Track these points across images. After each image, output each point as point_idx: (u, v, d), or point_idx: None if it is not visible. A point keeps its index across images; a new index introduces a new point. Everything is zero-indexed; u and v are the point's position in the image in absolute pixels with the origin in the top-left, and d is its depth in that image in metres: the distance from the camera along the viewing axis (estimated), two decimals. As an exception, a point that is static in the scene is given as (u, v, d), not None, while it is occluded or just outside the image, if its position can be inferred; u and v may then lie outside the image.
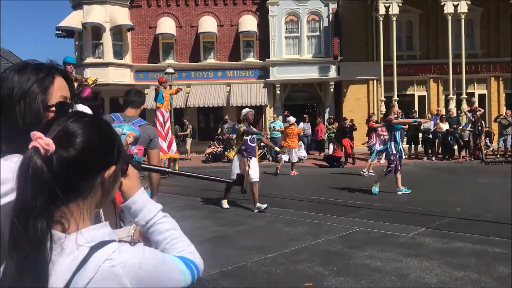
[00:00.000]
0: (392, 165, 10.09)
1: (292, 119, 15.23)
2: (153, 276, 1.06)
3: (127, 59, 22.34)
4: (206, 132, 22.46)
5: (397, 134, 10.16)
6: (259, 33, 22.12)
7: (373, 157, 14.32)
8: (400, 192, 10.20)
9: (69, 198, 1.04)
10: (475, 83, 22.62)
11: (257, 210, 8.52)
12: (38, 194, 0.96)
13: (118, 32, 21.83)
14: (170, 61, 22.13)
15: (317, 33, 22.35)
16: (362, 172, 14.03)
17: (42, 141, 0.99)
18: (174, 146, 14.28)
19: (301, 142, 19.05)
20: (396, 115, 10.92)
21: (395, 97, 20.18)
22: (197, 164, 18.30)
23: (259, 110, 22.62)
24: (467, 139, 17.70)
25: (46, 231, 0.97)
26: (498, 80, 22.52)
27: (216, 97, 21.46)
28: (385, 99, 20.42)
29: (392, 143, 10.08)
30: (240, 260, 5.46)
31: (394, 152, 10.01)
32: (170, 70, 18.54)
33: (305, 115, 20.90)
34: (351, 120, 18.48)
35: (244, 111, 9.20)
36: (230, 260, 5.47)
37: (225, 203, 8.98)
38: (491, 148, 18.75)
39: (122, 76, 21.75)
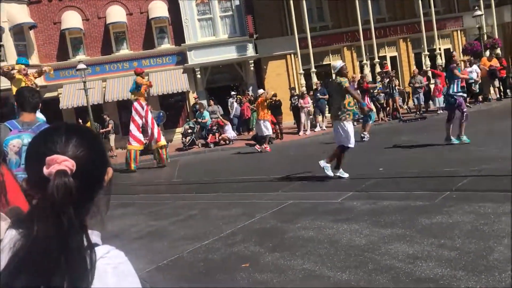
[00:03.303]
0: (465, 109, 10.06)
1: (261, 91, 15.08)
2: None
3: (34, 59, 20.96)
4: (129, 126, 21.78)
5: (459, 82, 10.09)
6: (171, 18, 21.58)
7: (373, 118, 13.96)
8: (461, 140, 9.96)
9: (88, 207, 1.12)
10: (386, 47, 23.60)
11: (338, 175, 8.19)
12: (76, 211, 1.03)
13: (19, 31, 20.38)
14: (81, 56, 21.11)
15: (230, 13, 22.19)
16: (362, 136, 13.46)
17: (69, 163, 1.04)
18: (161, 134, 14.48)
19: (228, 122, 19.04)
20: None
21: (313, 69, 20.65)
22: (123, 160, 17.72)
23: (182, 97, 22.29)
24: (382, 101, 18.51)
25: (85, 242, 1.04)
26: (407, 41, 23.64)
27: (135, 89, 20.80)
28: (303, 71, 20.83)
29: (455, 89, 10.00)
30: (175, 252, 5.38)
31: (463, 95, 10.10)
32: (82, 66, 17.74)
33: (238, 96, 20.87)
34: (274, 94, 18.43)
35: (338, 64, 8.52)
36: (165, 254, 5.37)
37: (342, 173, 8.28)
38: (405, 107, 19.79)
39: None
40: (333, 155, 8.36)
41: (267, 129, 14.68)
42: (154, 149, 14.77)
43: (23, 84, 9.16)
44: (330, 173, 8.23)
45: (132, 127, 14.07)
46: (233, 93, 21.27)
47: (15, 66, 9.36)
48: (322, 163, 8.28)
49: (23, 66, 9.09)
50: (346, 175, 8.23)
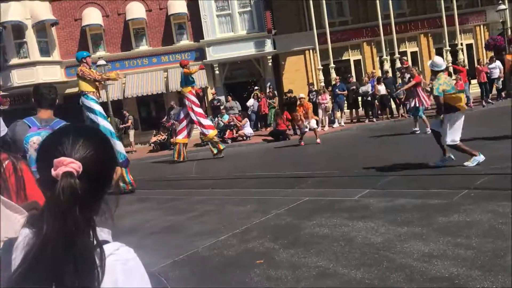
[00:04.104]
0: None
1: (301, 94, 15.10)
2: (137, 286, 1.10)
3: (55, 56, 21.35)
4: (148, 121, 22.04)
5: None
6: (190, 14, 21.67)
7: (421, 114, 13.35)
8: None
9: (97, 206, 1.16)
10: (406, 42, 23.30)
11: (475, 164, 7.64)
12: (82, 211, 1.05)
13: (41, 28, 20.73)
14: (101, 52, 21.35)
15: (249, 8, 22.17)
16: (426, 131, 12.40)
17: (75, 165, 1.07)
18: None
19: (246, 119, 19.06)
20: None
21: (332, 64, 20.49)
22: (143, 155, 17.95)
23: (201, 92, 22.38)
24: (402, 96, 18.26)
25: (94, 241, 1.07)
26: (427, 36, 23.30)
27: (154, 84, 20.98)
28: (322, 67, 20.71)
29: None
30: (191, 247, 5.42)
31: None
32: (102, 62, 17.95)
33: (255, 91, 20.87)
34: (289, 91, 18.26)
35: (440, 61, 8.23)
36: (181, 249, 5.42)
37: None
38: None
39: (53, 74, 20.77)
40: (464, 149, 7.86)
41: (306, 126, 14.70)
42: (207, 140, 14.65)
43: (91, 86, 9.46)
44: (472, 164, 7.64)
45: (198, 118, 13.88)
46: (256, 88, 21.26)
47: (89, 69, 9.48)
48: (467, 163, 7.73)
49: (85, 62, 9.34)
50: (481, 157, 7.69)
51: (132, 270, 1.10)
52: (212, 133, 13.98)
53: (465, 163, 7.71)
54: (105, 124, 9.63)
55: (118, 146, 9.77)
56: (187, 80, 13.82)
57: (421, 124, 13.33)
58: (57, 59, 21.36)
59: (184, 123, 14.26)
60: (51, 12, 21.06)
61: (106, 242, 1.11)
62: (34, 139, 3.53)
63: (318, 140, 14.44)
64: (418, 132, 13.32)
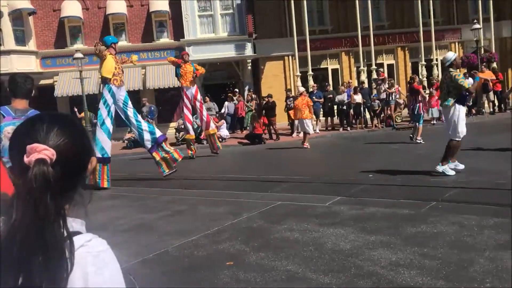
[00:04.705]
0: None
1: (302, 88, 15.03)
2: (111, 280, 1.07)
3: (31, 46, 20.93)
4: (122, 118, 21.73)
5: None
6: (171, 12, 21.58)
7: (421, 122, 13.50)
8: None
9: (70, 196, 1.13)
10: (384, 54, 23.75)
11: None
12: (53, 200, 1.03)
13: (18, 16, 20.30)
14: (78, 45, 21.06)
15: (231, 11, 22.23)
16: (417, 141, 13.08)
17: (49, 152, 1.05)
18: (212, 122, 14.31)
19: (223, 121, 19.06)
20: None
21: (310, 72, 20.70)
22: (116, 151, 17.70)
23: (178, 92, 22.21)
24: (377, 108, 18.61)
25: (64, 231, 1.04)
26: (404, 50, 23.80)
27: (131, 81, 20.75)
28: (300, 74, 20.89)
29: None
30: (161, 246, 5.40)
31: None
32: (79, 55, 17.70)
33: (229, 94, 20.89)
34: (269, 95, 18.32)
35: (451, 55, 8.18)
36: (151, 248, 5.39)
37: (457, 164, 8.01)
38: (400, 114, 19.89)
39: (27, 64, 20.35)
40: (447, 155, 8.01)
41: (309, 127, 14.82)
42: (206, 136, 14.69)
43: (114, 64, 9.68)
44: (451, 172, 7.94)
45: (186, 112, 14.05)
46: (235, 90, 21.28)
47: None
48: (439, 168, 7.96)
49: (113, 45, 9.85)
50: (461, 166, 8.02)
51: (104, 262, 1.07)
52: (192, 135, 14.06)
53: (439, 168, 7.96)
54: (104, 115, 9.91)
55: (103, 141, 9.81)
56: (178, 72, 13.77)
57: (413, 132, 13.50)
58: (33, 49, 20.95)
59: (205, 113, 14.18)
60: (29, 1, 20.63)
61: (78, 233, 1.09)
62: (8, 129, 3.48)
63: (307, 144, 14.54)
64: (420, 142, 13.14)
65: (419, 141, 13.05)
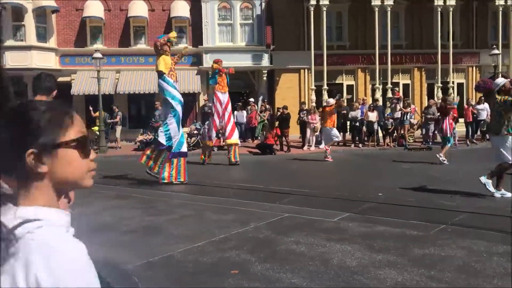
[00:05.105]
0: None
1: (331, 100, 15.06)
2: (61, 272, 0.96)
3: (52, 43, 21.22)
4: (137, 120, 21.92)
5: None
6: (191, 19, 21.78)
7: (452, 142, 13.27)
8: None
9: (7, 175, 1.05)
10: (400, 73, 23.67)
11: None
12: None
13: (41, 13, 20.61)
14: (98, 45, 21.28)
15: (250, 21, 22.37)
16: (441, 159, 12.78)
17: None
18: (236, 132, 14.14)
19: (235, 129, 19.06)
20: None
21: (325, 86, 20.71)
22: (127, 152, 17.84)
23: (193, 98, 22.40)
24: (390, 127, 18.53)
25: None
26: (421, 70, 23.71)
27: (148, 84, 20.92)
28: (315, 88, 20.91)
29: None
30: (167, 250, 5.40)
31: None
32: (98, 55, 17.89)
33: (239, 103, 20.95)
34: (284, 107, 18.30)
35: (500, 80, 8.10)
36: (157, 250, 5.40)
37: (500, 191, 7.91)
38: (413, 135, 19.79)
39: (47, 61, 20.62)
40: (496, 172, 7.92)
41: (337, 136, 14.77)
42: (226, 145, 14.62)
43: (170, 61, 10.48)
44: (491, 189, 7.90)
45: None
46: (251, 100, 21.31)
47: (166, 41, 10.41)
48: (483, 179, 7.92)
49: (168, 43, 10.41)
50: (508, 194, 7.85)
51: (51, 251, 0.97)
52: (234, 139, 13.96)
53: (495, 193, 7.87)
54: (177, 108, 10.28)
55: (173, 131, 10.22)
56: (215, 79, 13.82)
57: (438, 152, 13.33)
58: (53, 46, 21.24)
59: (232, 121, 14.17)
60: (53, 0, 20.97)
61: (28, 221, 1.01)
62: None
63: (330, 157, 14.54)
64: (446, 162, 12.86)
65: (442, 160, 12.83)
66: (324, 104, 15.66)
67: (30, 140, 1.04)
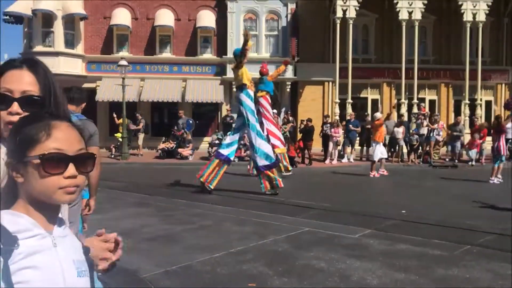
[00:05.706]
0: None
1: (379, 114, 14.96)
2: None
3: (79, 49, 21.62)
4: (159, 128, 22.07)
5: None
6: (217, 29, 21.92)
7: (504, 160, 12.93)
8: None
9: None
10: (426, 89, 23.32)
11: None
12: None
13: (70, 20, 21.05)
14: (124, 53, 21.58)
15: (275, 33, 22.40)
16: (491, 180, 12.62)
17: None
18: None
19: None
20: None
21: (349, 100, 20.52)
22: (149, 160, 17.96)
23: (215, 107, 22.49)
24: (415, 143, 18.20)
25: None
26: (448, 86, 23.31)
27: (171, 92, 21.10)
28: (339, 101, 20.73)
29: None
30: (185, 260, 5.35)
31: None
32: (123, 62, 18.11)
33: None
34: (308, 119, 18.09)
35: None
36: (174, 260, 5.36)
37: None
38: (438, 152, 19.39)
39: (74, 67, 21.00)
40: None
41: (382, 153, 14.48)
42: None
43: (247, 72, 10.70)
44: None
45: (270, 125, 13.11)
46: (274, 111, 21.21)
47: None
48: None
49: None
50: None
51: None
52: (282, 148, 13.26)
53: None
54: (252, 120, 10.29)
55: (265, 147, 10.21)
56: (268, 85, 13.40)
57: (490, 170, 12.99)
58: (80, 52, 21.63)
59: (275, 129, 13.39)
60: (82, 7, 21.39)
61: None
62: None
63: (384, 171, 14.38)
64: (496, 181, 12.61)
65: (492, 181, 12.55)
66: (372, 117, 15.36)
67: (11, 152, 1.14)
